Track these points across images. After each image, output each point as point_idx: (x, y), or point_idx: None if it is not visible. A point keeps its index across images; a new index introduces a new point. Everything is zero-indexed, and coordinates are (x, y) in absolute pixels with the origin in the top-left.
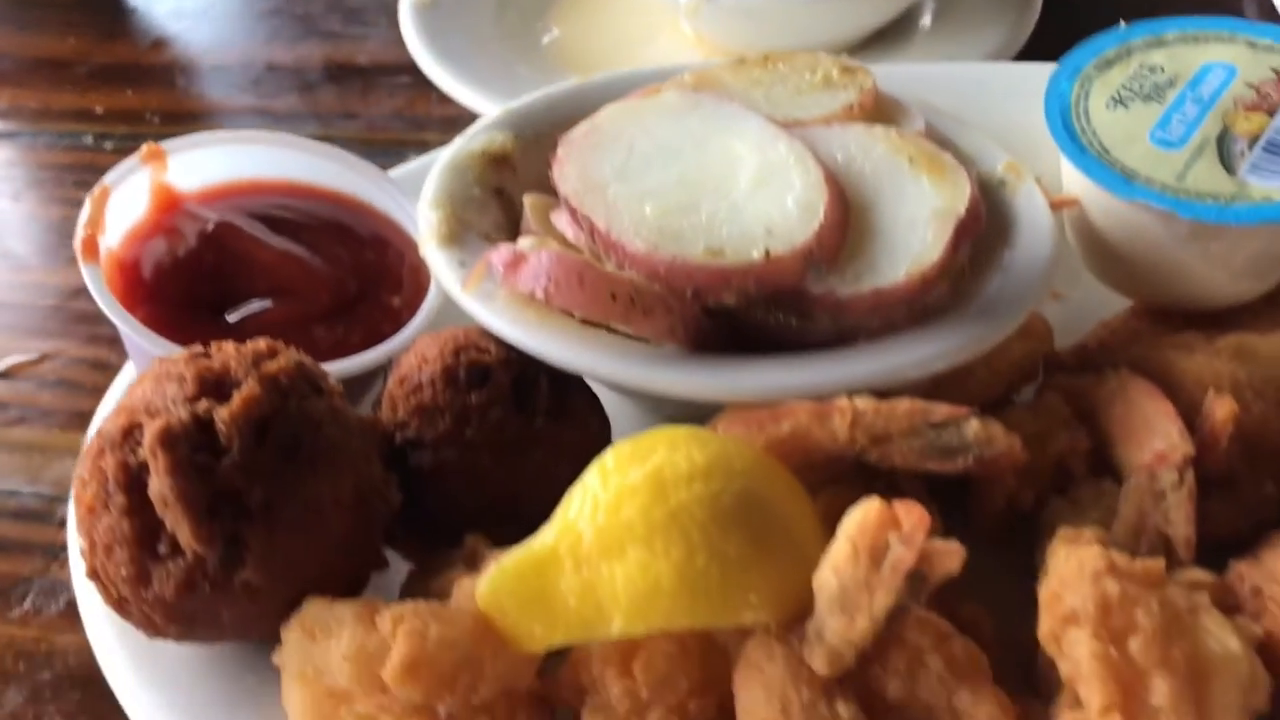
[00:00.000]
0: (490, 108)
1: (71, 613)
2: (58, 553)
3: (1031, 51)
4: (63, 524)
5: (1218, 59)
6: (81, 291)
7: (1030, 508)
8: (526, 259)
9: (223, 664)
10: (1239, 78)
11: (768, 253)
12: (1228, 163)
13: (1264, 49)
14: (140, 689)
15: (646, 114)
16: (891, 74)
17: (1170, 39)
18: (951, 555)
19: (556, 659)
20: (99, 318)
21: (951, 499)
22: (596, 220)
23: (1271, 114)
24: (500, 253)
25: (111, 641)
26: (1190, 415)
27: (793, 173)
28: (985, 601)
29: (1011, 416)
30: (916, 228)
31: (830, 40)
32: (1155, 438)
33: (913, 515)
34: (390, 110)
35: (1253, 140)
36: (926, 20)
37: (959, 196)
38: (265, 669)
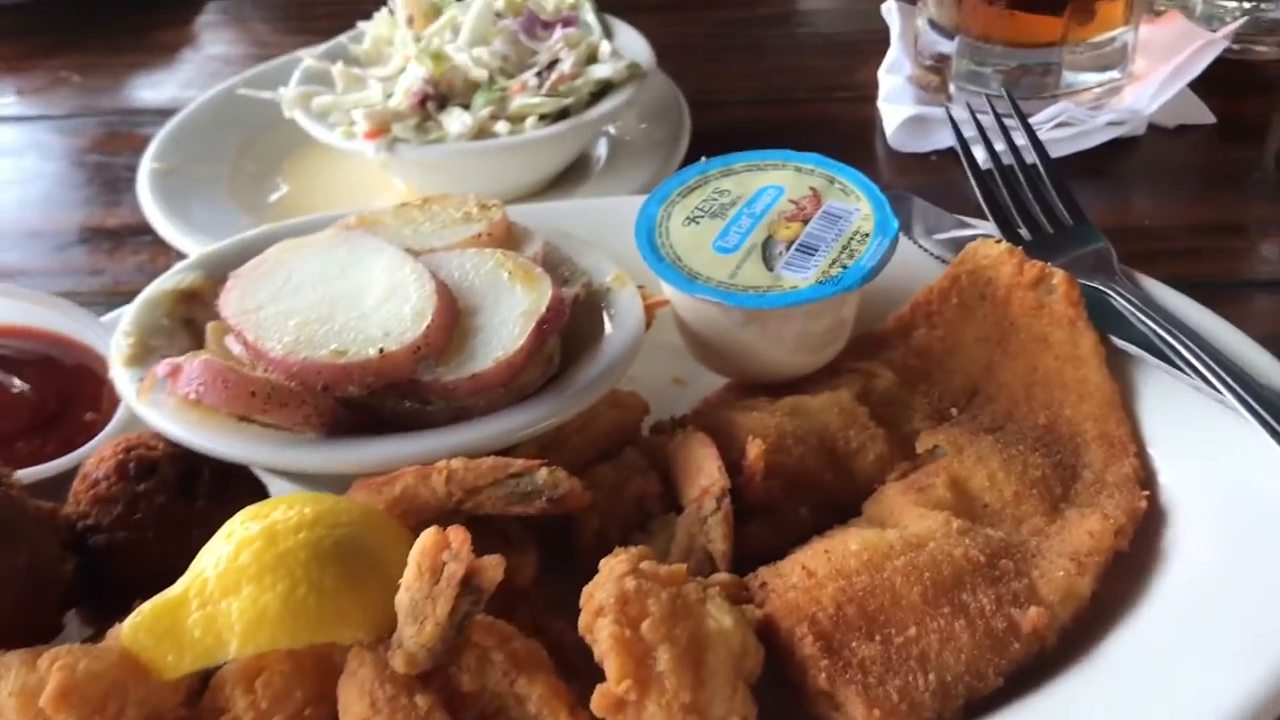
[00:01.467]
0: None
1: None
2: None
3: None
4: None
5: (771, 182)
6: None
7: (618, 542)
8: (182, 368)
9: None
10: (785, 195)
11: (382, 350)
12: (769, 262)
13: (806, 172)
14: None
15: (305, 249)
16: (556, 210)
17: (738, 169)
18: (495, 567)
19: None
20: None
21: (560, 541)
22: (248, 335)
23: (805, 223)
24: (162, 365)
25: None
26: (740, 459)
27: (411, 288)
28: None
29: (598, 471)
30: (507, 325)
31: (506, 188)
32: (702, 476)
33: (458, 536)
34: (134, 266)
35: (790, 244)
36: (600, 163)
37: (542, 299)
38: None
